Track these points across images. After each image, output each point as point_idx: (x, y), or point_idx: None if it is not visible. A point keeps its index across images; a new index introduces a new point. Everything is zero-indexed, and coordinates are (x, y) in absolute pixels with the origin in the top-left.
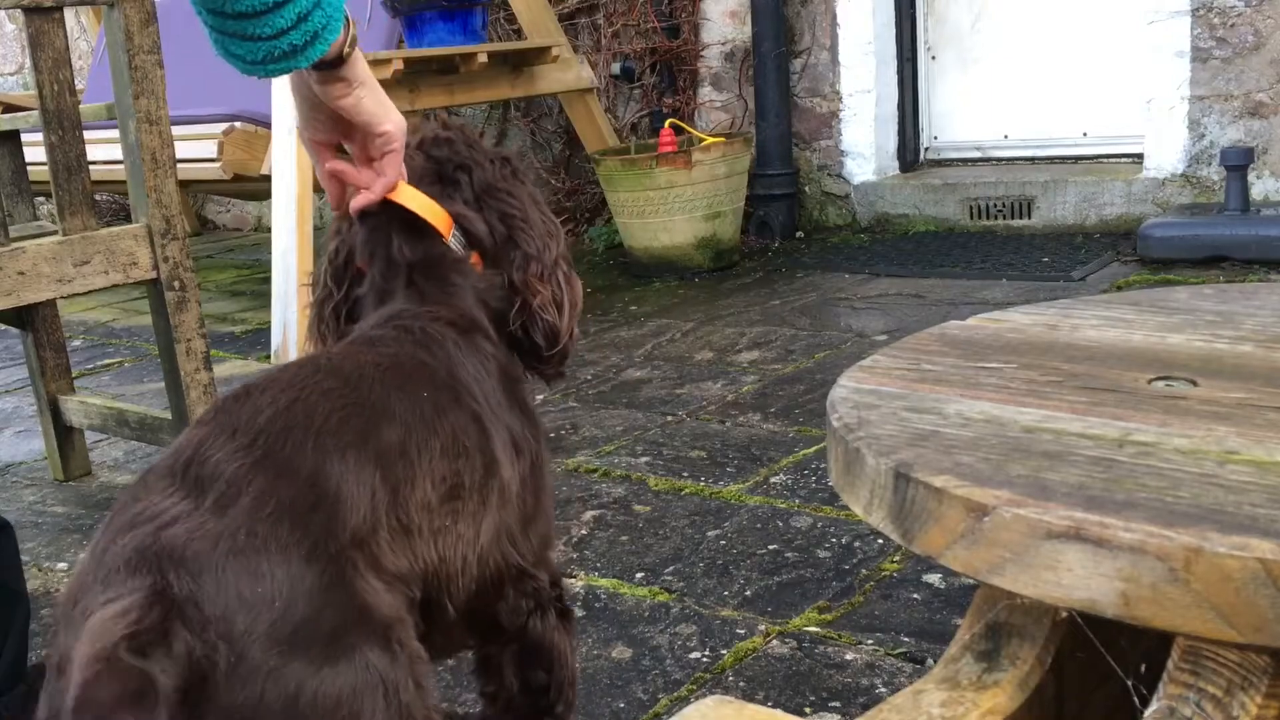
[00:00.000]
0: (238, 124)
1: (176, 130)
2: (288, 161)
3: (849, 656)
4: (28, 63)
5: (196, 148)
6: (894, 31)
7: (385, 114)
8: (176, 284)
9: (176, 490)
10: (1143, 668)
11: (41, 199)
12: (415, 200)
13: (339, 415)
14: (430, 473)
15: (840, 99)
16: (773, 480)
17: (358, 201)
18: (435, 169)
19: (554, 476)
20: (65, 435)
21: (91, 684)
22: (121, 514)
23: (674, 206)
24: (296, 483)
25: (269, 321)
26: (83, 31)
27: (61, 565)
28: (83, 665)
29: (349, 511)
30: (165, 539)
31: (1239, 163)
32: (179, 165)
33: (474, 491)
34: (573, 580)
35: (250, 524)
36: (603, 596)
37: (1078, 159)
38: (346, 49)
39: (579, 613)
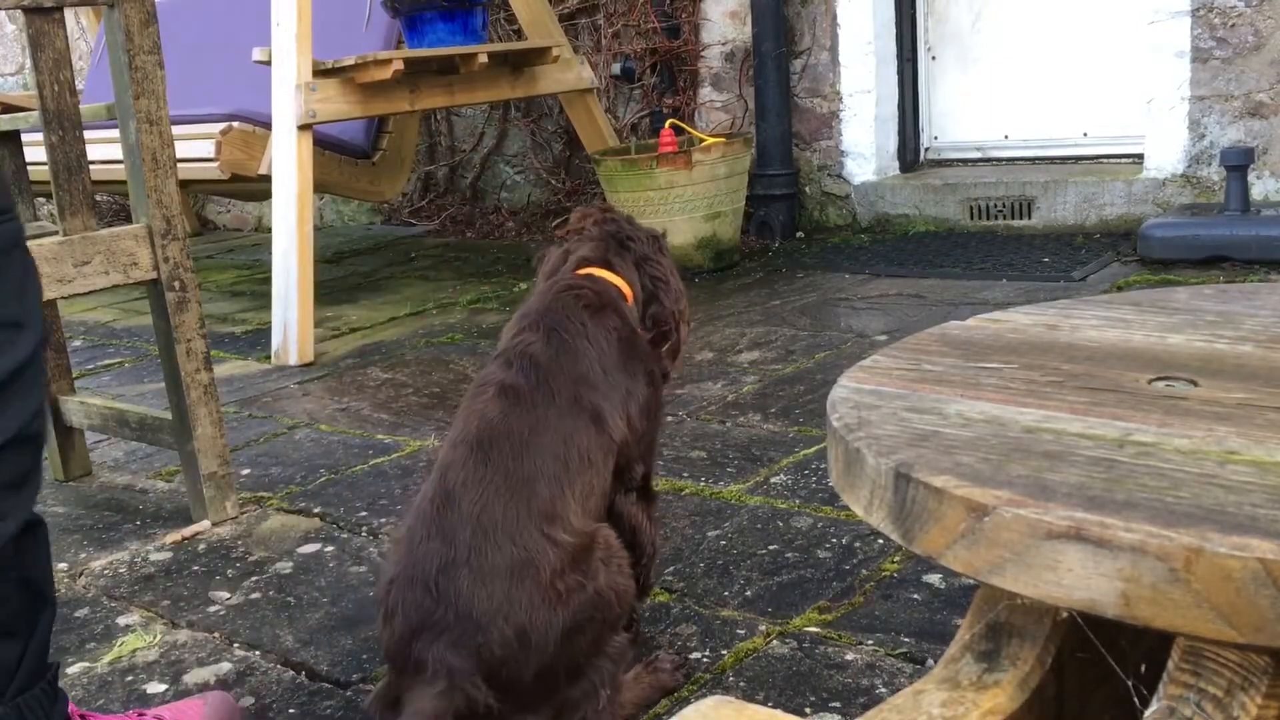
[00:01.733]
0: (235, 124)
1: (174, 130)
2: (288, 162)
3: (849, 657)
4: (28, 63)
5: (193, 147)
6: (894, 31)
7: None
8: (177, 284)
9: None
10: (1143, 668)
11: (42, 199)
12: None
13: (530, 462)
14: (575, 491)
15: (840, 99)
16: (773, 480)
17: None
18: (608, 237)
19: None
20: (66, 435)
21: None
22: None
23: (674, 207)
24: (526, 489)
25: (269, 322)
26: (83, 32)
27: (62, 565)
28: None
29: (547, 503)
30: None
31: (1239, 163)
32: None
33: (597, 479)
34: None
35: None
36: None
37: (1078, 159)
38: None
39: None
